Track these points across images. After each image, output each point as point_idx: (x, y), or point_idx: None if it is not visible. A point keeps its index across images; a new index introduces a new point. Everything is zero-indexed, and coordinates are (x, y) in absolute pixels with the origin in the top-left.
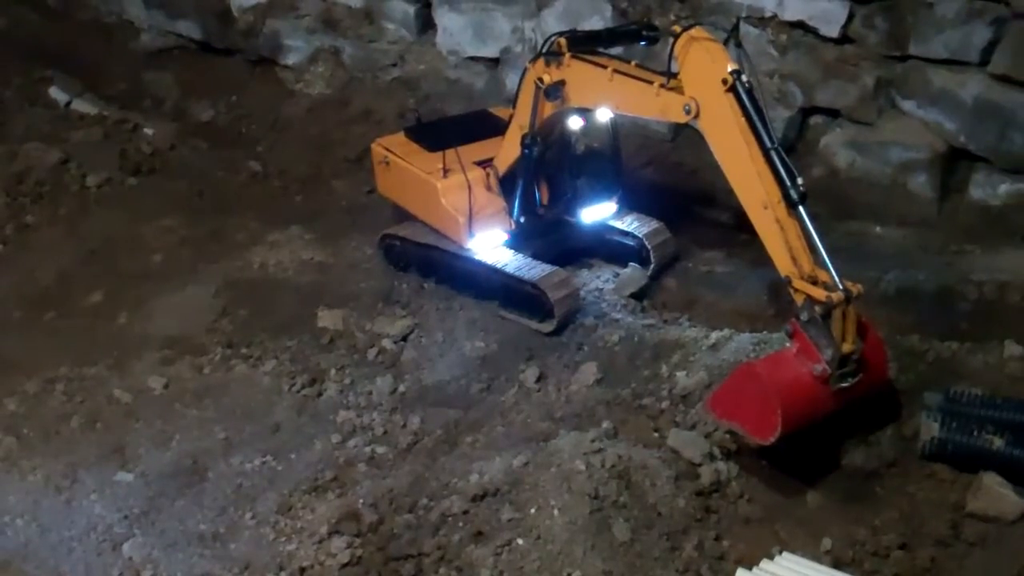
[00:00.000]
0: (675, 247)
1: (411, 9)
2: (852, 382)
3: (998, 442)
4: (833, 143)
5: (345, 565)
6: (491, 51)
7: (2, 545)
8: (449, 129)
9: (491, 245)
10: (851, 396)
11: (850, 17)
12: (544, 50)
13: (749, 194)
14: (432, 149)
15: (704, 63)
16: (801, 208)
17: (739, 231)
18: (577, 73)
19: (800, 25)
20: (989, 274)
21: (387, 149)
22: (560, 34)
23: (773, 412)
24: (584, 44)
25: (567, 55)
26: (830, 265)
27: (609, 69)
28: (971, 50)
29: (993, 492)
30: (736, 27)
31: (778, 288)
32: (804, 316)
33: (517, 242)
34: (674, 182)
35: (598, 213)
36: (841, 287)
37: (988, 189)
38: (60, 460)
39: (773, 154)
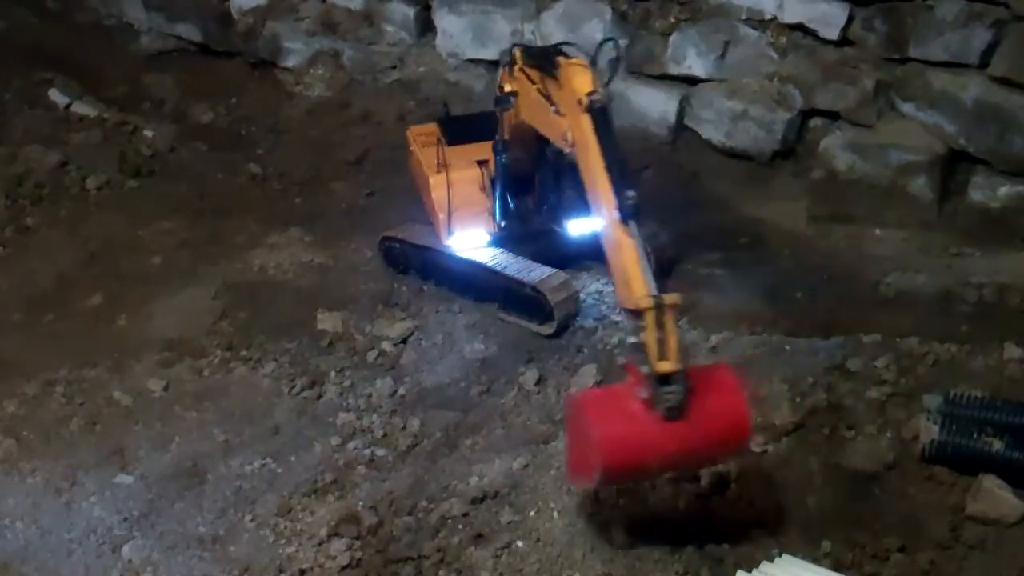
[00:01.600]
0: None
1: (411, 11)
2: (677, 404)
3: (998, 444)
4: (833, 145)
5: (345, 567)
6: (491, 53)
7: (1, 547)
8: (476, 124)
9: (472, 244)
10: (694, 444)
11: (850, 19)
12: (506, 60)
13: (600, 214)
14: (451, 143)
15: (567, 88)
16: (632, 224)
17: (739, 234)
18: (521, 85)
19: (800, 27)
20: (989, 276)
21: (413, 138)
22: (518, 44)
23: (594, 444)
24: (538, 57)
25: (517, 66)
26: (650, 277)
27: (536, 85)
28: (971, 52)
29: (993, 495)
30: (600, 46)
31: (778, 290)
32: (631, 340)
33: (511, 244)
34: (674, 184)
35: (585, 226)
36: (654, 294)
37: (988, 191)
38: (60, 462)
39: (613, 169)
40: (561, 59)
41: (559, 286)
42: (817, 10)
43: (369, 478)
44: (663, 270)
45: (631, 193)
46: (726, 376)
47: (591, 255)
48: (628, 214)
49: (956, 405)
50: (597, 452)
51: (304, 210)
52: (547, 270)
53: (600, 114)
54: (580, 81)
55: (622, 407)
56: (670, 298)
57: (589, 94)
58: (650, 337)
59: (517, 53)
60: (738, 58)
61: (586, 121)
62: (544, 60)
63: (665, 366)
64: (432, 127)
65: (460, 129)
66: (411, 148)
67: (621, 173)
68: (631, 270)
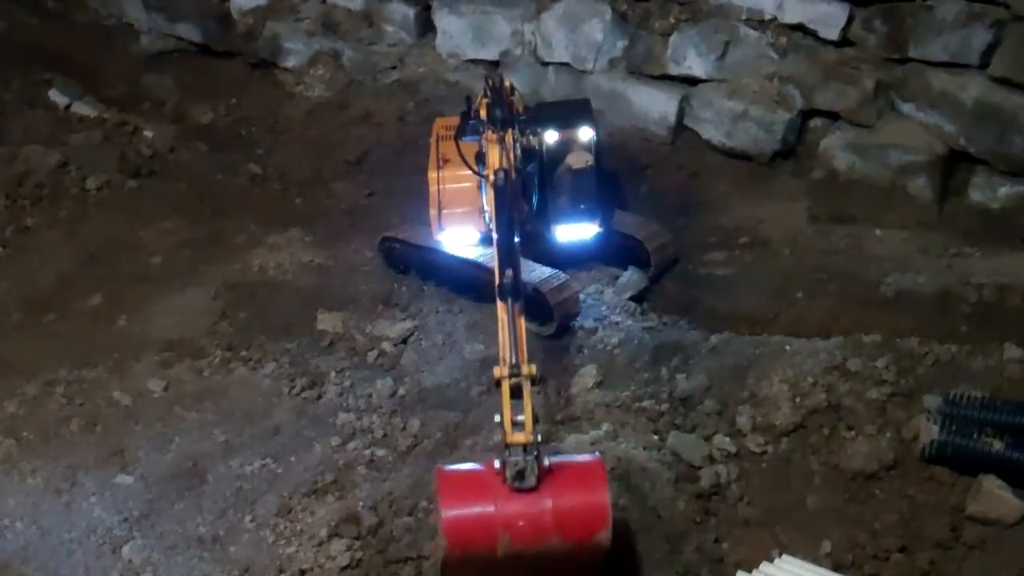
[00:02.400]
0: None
1: (411, 12)
2: (525, 471)
3: (998, 445)
4: (833, 146)
5: (345, 568)
6: (491, 54)
7: (1, 547)
8: None
9: (462, 242)
10: (545, 520)
11: (850, 20)
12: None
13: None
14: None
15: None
16: (509, 300)
17: (739, 234)
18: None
19: (800, 28)
20: (989, 277)
21: (436, 130)
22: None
23: (439, 510)
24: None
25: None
26: (520, 349)
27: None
28: (971, 53)
29: (993, 495)
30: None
31: (778, 290)
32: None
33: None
34: (674, 184)
35: (574, 233)
36: (511, 364)
37: (988, 192)
38: (60, 463)
39: (502, 246)
40: (488, 134)
41: (559, 287)
42: (817, 10)
43: (369, 478)
44: (665, 270)
45: (509, 272)
46: (594, 466)
47: (591, 256)
48: (503, 292)
49: (956, 405)
50: (441, 519)
51: (304, 210)
52: (547, 271)
53: (501, 190)
54: (492, 157)
55: (474, 478)
56: (526, 368)
57: (496, 170)
58: (504, 407)
59: (482, 104)
60: (738, 58)
61: (490, 194)
62: (487, 121)
63: (517, 437)
64: (453, 119)
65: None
66: (429, 140)
67: (508, 251)
68: (501, 341)
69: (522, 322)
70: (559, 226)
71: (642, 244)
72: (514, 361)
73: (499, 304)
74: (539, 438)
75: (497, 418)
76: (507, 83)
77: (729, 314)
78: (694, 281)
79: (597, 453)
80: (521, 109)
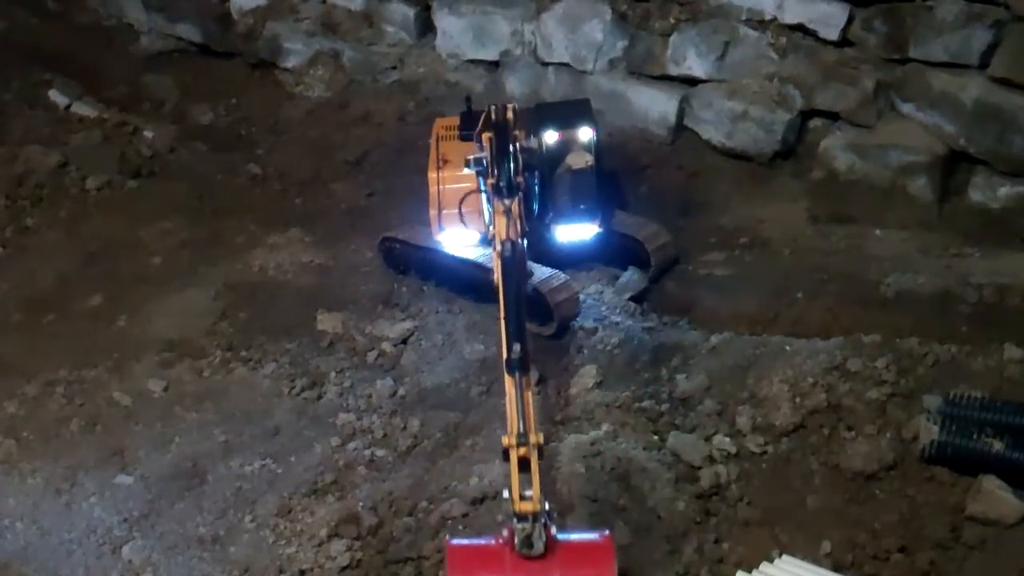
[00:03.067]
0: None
1: (411, 12)
2: (532, 536)
3: (998, 445)
4: (833, 146)
5: (345, 568)
6: (491, 54)
7: (2, 548)
8: None
9: (461, 243)
10: None
11: (850, 20)
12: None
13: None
14: (464, 139)
15: (495, 228)
16: (517, 375)
17: (739, 234)
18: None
19: (800, 28)
20: (989, 277)
21: (436, 130)
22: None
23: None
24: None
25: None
26: (528, 419)
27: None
28: (971, 53)
29: (993, 495)
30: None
31: (778, 290)
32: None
33: None
34: (674, 184)
35: (574, 233)
36: (519, 433)
37: (988, 192)
38: (60, 463)
39: (510, 319)
40: (496, 203)
41: (560, 287)
42: (817, 10)
43: (369, 478)
44: (665, 270)
45: (517, 348)
46: (603, 543)
47: (590, 256)
48: (511, 368)
49: (956, 406)
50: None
51: (304, 210)
52: (547, 271)
53: (508, 262)
54: (499, 227)
55: (483, 549)
56: (534, 437)
57: (503, 241)
58: (512, 479)
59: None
60: (738, 58)
61: (497, 263)
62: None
63: (525, 506)
64: (452, 119)
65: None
66: (430, 141)
67: (517, 324)
68: (509, 414)
69: (530, 395)
70: (559, 226)
71: (642, 245)
72: (522, 430)
73: (507, 378)
74: (547, 506)
75: (506, 493)
76: (510, 114)
77: (729, 314)
78: (694, 281)
79: (607, 531)
80: (523, 137)
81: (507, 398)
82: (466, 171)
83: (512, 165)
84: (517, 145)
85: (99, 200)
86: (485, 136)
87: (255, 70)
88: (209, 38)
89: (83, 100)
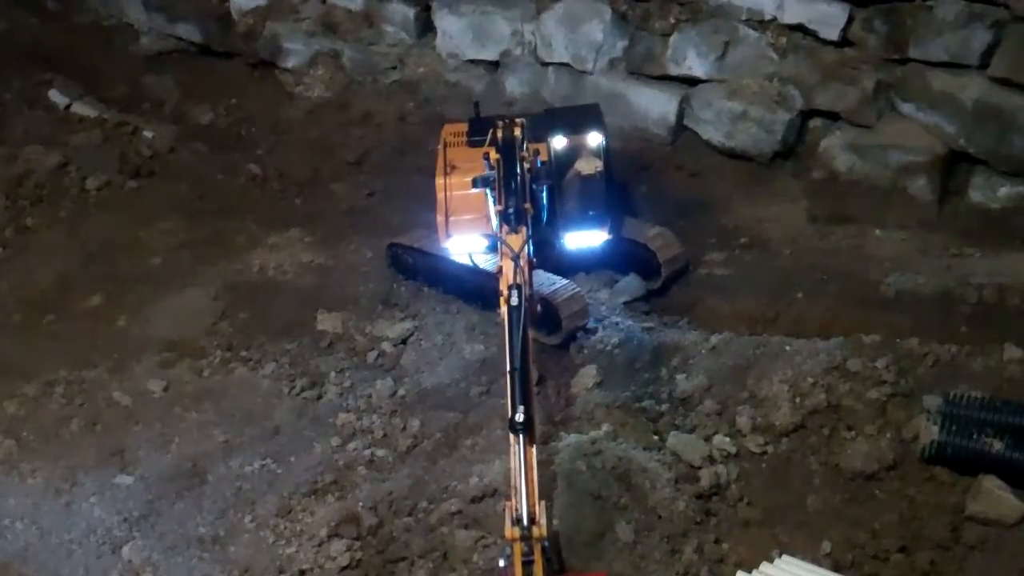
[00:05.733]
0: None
1: (411, 12)
2: None
3: (998, 445)
4: (832, 146)
5: (344, 568)
6: (491, 54)
7: (2, 548)
8: None
9: (468, 250)
10: None
11: (850, 20)
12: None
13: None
14: (473, 144)
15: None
16: (521, 437)
17: (739, 234)
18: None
19: (800, 28)
20: (989, 277)
21: (444, 136)
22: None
23: None
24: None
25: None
26: (531, 499)
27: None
28: (971, 53)
29: (993, 495)
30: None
31: (778, 290)
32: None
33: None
34: (674, 184)
35: (583, 240)
36: (523, 526)
37: (988, 192)
38: (59, 463)
39: (514, 378)
40: (502, 233)
41: (570, 298)
42: (817, 10)
43: (369, 479)
44: (674, 280)
45: (521, 409)
46: None
47: (599, 263)
48: (515, 429)
49: (956, 406)
50: None
51: (304, 211)
52: (557, 280)
53: (514, 312)
54: (506, 274)
55: None
56: (537, 530)
57: (509, 287)
58: (516, 568)
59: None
60: (738, 59)
61: (504, 310)
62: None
63: None
64: (461, 126)
65: (486, 130)
66: (437, 147)
67: (521, 383)
68: (513, 486)
69: (534, 460)
70: (568, 233)
71: (655, 255)
72: (526, 521)
73: (511, 437)
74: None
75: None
76: (518, 131)
77: (729, 314)
78: (694, 281)
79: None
80: (532, 158)
81: (511, 466)
82: (474, 191)
83: (519, 194)
84: (524, 166)
85: (99, 200)
86: (492, 156)
87: (255, 70)
88: (209, 38)
89: (83, 100)
